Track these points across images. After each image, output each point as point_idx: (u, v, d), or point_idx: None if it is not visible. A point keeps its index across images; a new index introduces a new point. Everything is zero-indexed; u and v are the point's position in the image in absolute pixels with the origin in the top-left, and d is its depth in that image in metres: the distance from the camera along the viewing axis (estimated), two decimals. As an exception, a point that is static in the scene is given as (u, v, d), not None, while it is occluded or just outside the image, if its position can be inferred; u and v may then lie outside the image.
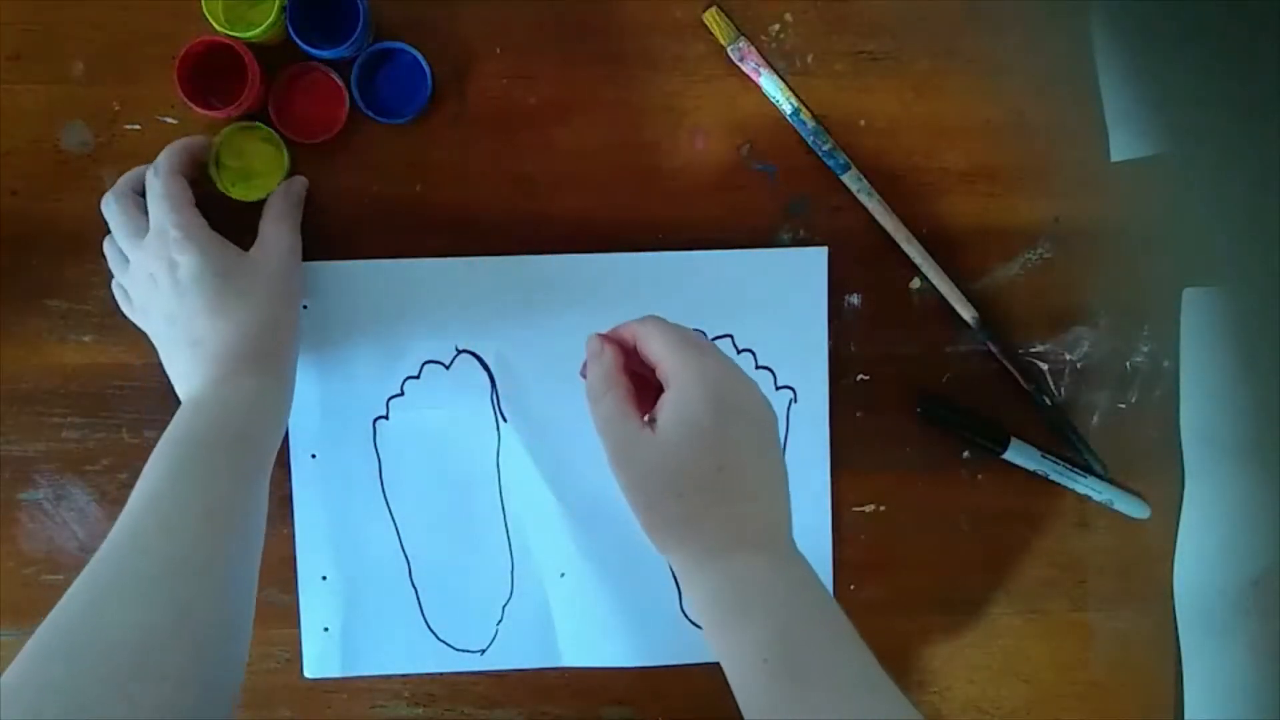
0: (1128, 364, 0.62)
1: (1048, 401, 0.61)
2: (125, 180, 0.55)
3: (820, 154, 0.59)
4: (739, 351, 0.60)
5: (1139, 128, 0.60)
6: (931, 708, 0.64)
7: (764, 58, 0.59)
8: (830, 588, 0.62)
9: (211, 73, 0.55)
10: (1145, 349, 0.62)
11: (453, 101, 0.59)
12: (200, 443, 0.48)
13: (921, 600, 0.63)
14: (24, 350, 0.59)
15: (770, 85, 0.59)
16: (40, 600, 0.60)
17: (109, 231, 0.55)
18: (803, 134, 0.59)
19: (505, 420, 0.60)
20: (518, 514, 0.61)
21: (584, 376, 0.47)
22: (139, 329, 0.56)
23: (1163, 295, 0.62)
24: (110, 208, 0.54)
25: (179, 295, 0.51)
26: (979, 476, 0.62)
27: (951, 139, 0.60)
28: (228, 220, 0.55)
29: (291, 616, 0.60)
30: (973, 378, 0.62)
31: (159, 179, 0.52)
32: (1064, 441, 0.62)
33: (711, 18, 0.58)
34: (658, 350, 0.45)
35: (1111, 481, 0.62)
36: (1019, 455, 0.61)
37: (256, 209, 0.56)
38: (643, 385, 0.46)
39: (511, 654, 0.61)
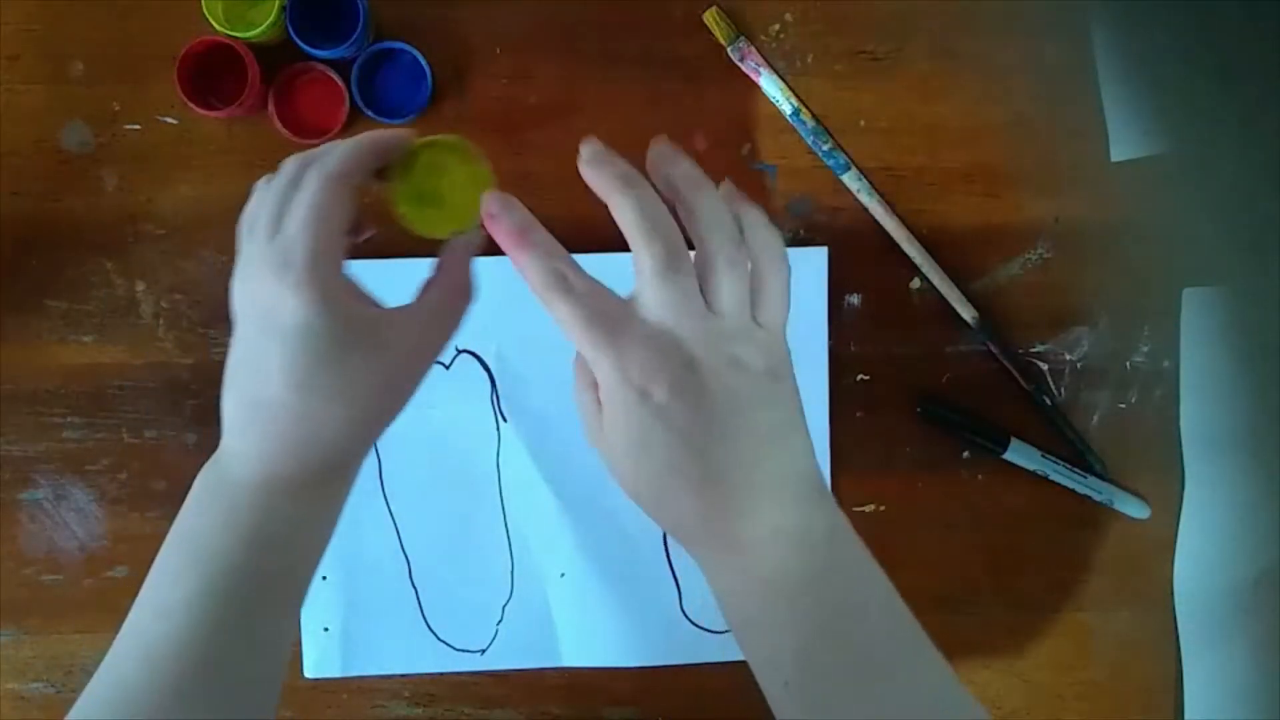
0: (1128, 364, 0.62)
1: (1048, 401, 0.61)
2: (296, 162, 0.41)
3: (820, 154, 0.59)
4: (739, 351, 0.60)
5: (1139, 128, 0.60)
6: (931, 708, 0.64)
7: (764, 58, 0.59)
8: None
9: (212, 73, 0.55)
10: (1145, 349, 0.62)
11: (453, 101, 0.59)
12: (235, 572, 0.38)
13: (921, 600, 0.62)
14: (24, 350, 0.59)
15: (770, 85, 0.59)
16: (40, 600, 0.60)
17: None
18: (803, 134, 0.59)
19: (505, 420, 0.60)
20: (518, 514, 0.61)
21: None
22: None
23: (1163, 295, 0.62)
24: (279, 178, 0.41)
25: (269, 339, 0.38)
26: (979, 476, 0.62)
27: (951, 139, 0.60)
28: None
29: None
30: (973, 378, 0.62)
31: (317, 182, 0.39)
32: (1064, 441, 0.62)
33: (711, 18, 0.58)
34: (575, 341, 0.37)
35: (1111, 481, 0.62)
36: (1019, 455, 0.61)
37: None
38: None
39: (511, 654, 0.61)
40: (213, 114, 0.55)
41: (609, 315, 0.37)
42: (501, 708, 0.62)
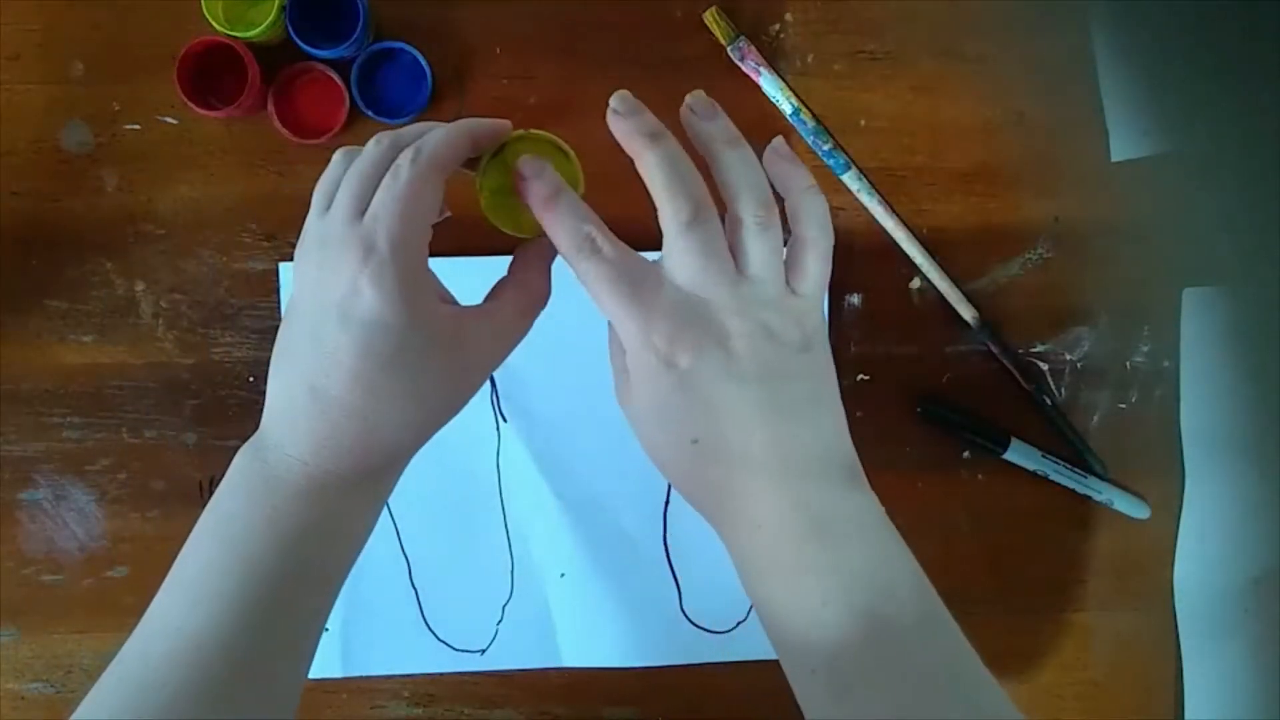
0: (1128, 364, 0.62)
1: (1048, 401, 0.61)
2: (387, 141, 0.39)
3: (820, 154, 0.59)
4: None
5: (1139, 128, 0.60)
6: (931, 708, 0.64)
7: (764, 58, 0.59)
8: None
9: (212, 73, 0.55)
10: (1145, 349, 0.62)
11: (453, 101, 0.59)
12: (273, 570, 0.37)
13: (921, 600, 0.63)
14: (24, 350, 0.59)
15: (770, 85, 0.59)
16: (40, 600, 0.60)
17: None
18: (803, 134, 0.59)
19: (505, 420, 0.60)
20: (518, 514, 0.61)
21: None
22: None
23: (1163, 295, 0.62)
24: (365, 156, 0.39)
25: (340, 325, 0.36)
26: (979, 476, 0.62)
27: (951, 139, 0.60)
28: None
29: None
30: (973, 378, 0.62)
31: (413, 170, 0.37)
32: (1064, 441, 0.62)
33: (711, 18, 0.58)
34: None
35: (1111, 481, 0.62)
36: (1019, 455, 0.61)
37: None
38: None
39: (511, 654, 0.61)
40: (213, 114, 0.55)
41: (635, 279, 0.35)
42: (501, 708, 0.62)
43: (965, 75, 0.60)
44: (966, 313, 0.61)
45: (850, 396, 0.61)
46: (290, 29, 0.54)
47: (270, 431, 0.38)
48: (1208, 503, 0.62)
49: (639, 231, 0.59)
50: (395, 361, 0.36)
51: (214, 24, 0.53)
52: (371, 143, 0.39)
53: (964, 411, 0.61)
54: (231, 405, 0.60)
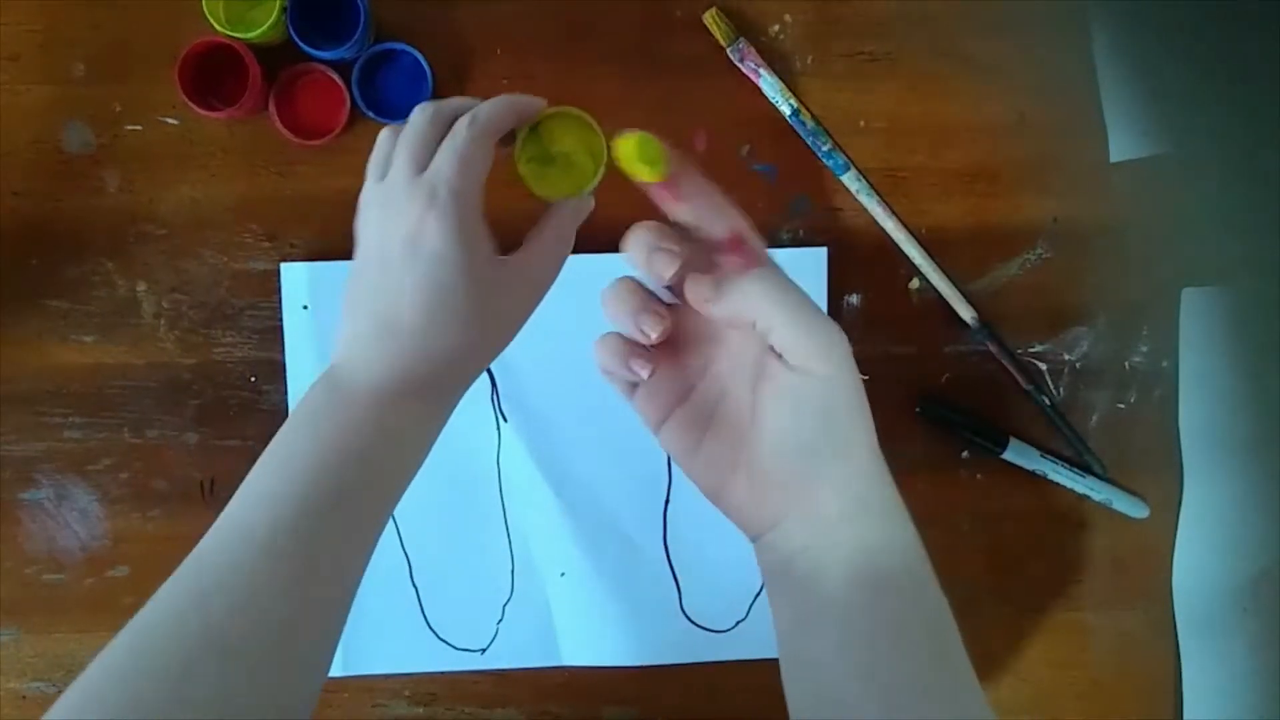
0: (1127, 364, 0.62)
1: (1047, 401, 0.62)
2: (431, 110, 0.44)
3: (820, 154, 0.60)
4: (739, 351, 0.60)
5: (1139, 128, 0.60)
6: (931, 707, 0.64)
7: (764, 58, 0.59)
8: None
9: (212, 73, 0.55)
10: (1144, 349, 0.62)
11: (453, 102, 0.59)
12: (343, 482, 0.41)
13: (921, 600, 0.63)
14: (24, 350, 0.59)
15: (770, 86, 0.59)
16: (41, 600, 0.60)
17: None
18: (802, 134, 0.59)
19: (505, 420, 0.60)
20: (518, 514, 0.61)
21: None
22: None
23: (1162, 295, 0.62)
24: (412, 122, 0.44)
25: (407, 263, 0.41)
26: (978, 476, 0.62)
27: (951, 139, 0.60)
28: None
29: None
30: (972, 378, 0.62)
31: (470, 131, 0.42)
32: (1063, 441, 0.62)
33: (711, 18, 0.58)
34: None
35: (1110, 481, 0.63)
36: (1018, 455, 0.61)
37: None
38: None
39: (511, 653, 0.61)
40: (214, 115, 0.55)
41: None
42: (501, 707, 0.62)
43: (965, 75, 0.60)
44: (966, 313, 0.61)
45: (850, 396, 0.61)
46: (291, 30, 0.54)
47: (341, 364, 0.43)
48: (1206, 502, 0.62)
49: (625, 229, 0.59)
50: (455, 292, 0.41)
51: (215, 25, 0.53)
52: (417, 112, 0.44)
53: (963, 411, 0.61)
54: (233, 405, 0.60)
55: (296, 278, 0.59)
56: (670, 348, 0.42)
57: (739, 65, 0.59)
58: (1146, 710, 0.64)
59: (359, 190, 0.59)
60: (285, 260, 0.59)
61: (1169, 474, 0.63)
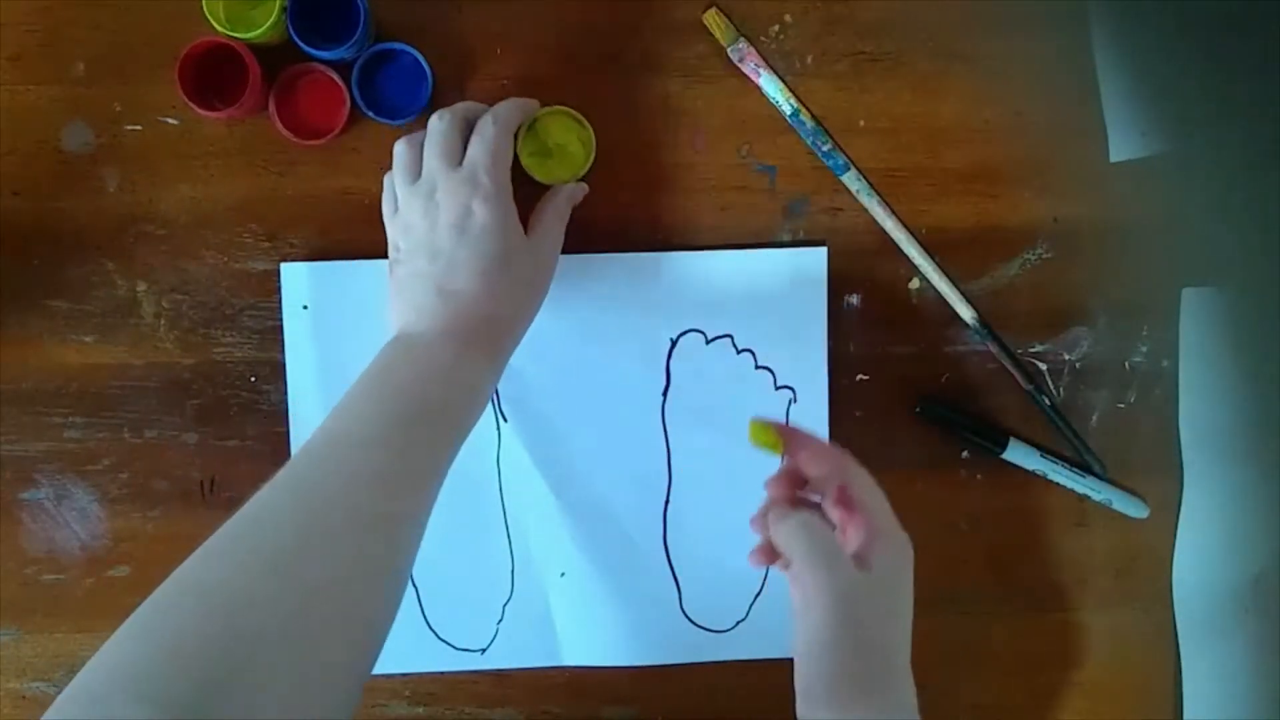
0: (1127, 364, 0.62)
1: (1047, 401, 0.62)
2: (450, 116, 0.52)
3: (820, 154, 0.60)
4: (739, 351, 0.60)
5: (1139, 128, 0.60)
6: (932, 707, 0.64)
7: (764, 58, 0.59)
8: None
9: (212, 73, 0.55)
10: (1144, 349, 0.62)
11: (453, 101, 0.59)
12: (424, 405, 0.48)
13: (921, 600, 0.63)
14: (24, 350, 0.59)
15: (770, 86, 0.59)
16: (41, 600, 0.60)
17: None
18: (802, 134, 0.59)
19: (505, 420, 0.60)
20: (518, 514, 0.61)
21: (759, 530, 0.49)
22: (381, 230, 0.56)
23: (1162, 295, 0.62)
24: (435, 129, 0.52)
25: (458, 240, 0.50)
26: (978, 476, 0.62)
27: (951, 139, 0.60)
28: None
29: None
30: (972, 378, 0.62)
31: (495, 128, 0.51)
32: (1063, 441, 0.62)
33: (711, 18, 0.58)
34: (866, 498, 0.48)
35: (1110, 481, 0.63)
36: (1018, 455, 0.61)
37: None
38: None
39: (511, 654, 0.61)
40: (214, 115, 0.55)
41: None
42: (501, 707, 0.62)
43: (965, 75, 0.60)
44: (965, 313, 0.61)
45: (850, 396, 0.61)
46: (291, 30, 0.54)
47: (407, 328, 0.51)
48: (1207, 502, 0.62)
49: (625, 229, 0.60)
50: (502, 260, 0.50)
51: (215, 25, 0.53)
52: (435, 119, 0.52)
53: (963, 411, 0.61)
54: (233, 405, 0.60)
55: (296, 278, 0.59)
56: None
57: (739, 65, 0.59)
58: (1146, 710, 0.64)
59: (359, 190, 0.59)
60: (285, 260, 0.59)
61: (1169, 474, 0.63)
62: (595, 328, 0.60)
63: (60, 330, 0.59)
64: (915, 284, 0.61)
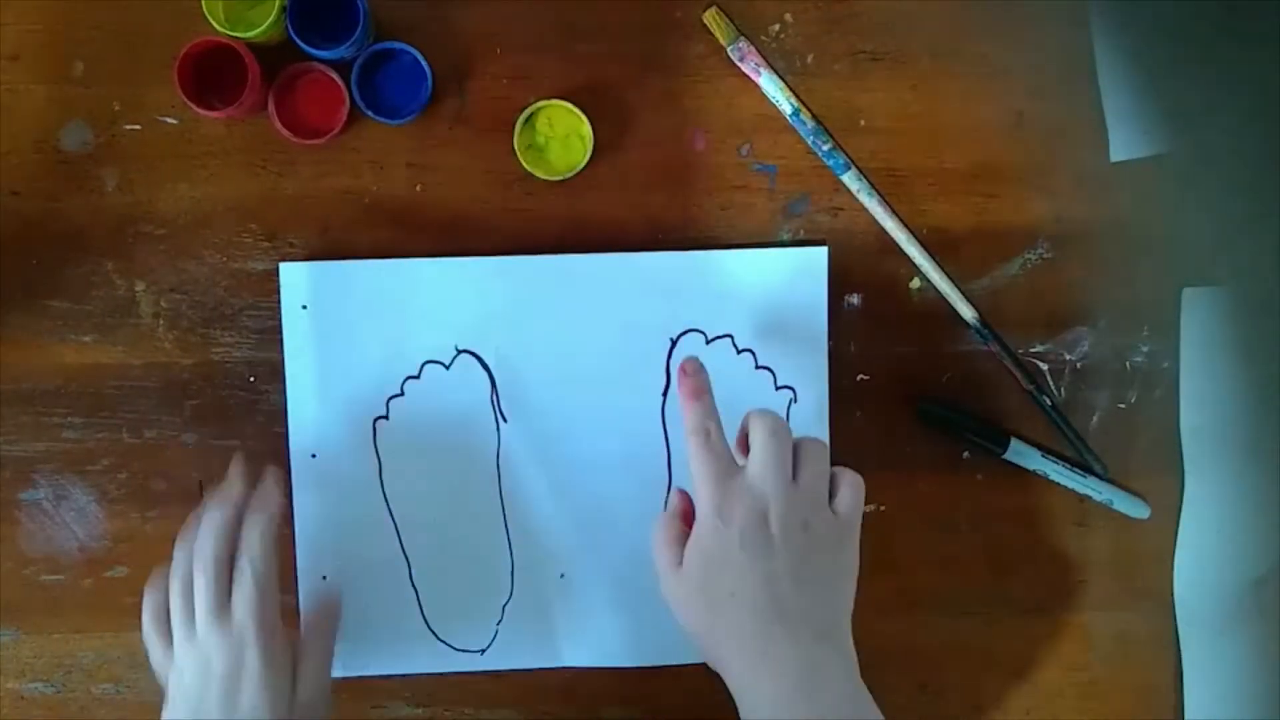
0: (1127, 364, 0.62)
1: (1047, 401, 0.61)
2: (202, 544, 0.50)
3: (820, 154, 0.59)
4: (739, 352, 0.60)
5: (1139, 128, 0.60)
6: (932, 707, 0.64)
7: (764, 58, 0.59)
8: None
9: (212, 73, 0.55)
10: (1145, 349, 0.62)
11: (453, 101, 0.59)
12: None
13: (921, 600, 0.63)
14: (24, 350, 0.59)
15: (770, 85, 0.59)
16: (40, 600, 0.60)
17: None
18: (803, 134, 0.59)
19: (505, 420, 0.60)
20: (518, 514, 0.61)
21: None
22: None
23: (1162, 295, 0.62)
24: (176, 572, 0.51)
25: (226, 698, 0.49)
26: (979, 476, 0.62)
27: (951, 139, 0.60)
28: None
29: (291, 617, 0.60)
30: (973, 378, 0.62)
31: (255, 568, 0.50)
32: (1064, 441, 0.62)
33: (711, 18, 0.58)
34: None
35: (1111, 481, 0.63)
36: (1019, 455, 0.61)
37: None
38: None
39: (511, 654, 0.61)
40: (213, 114, 0.55)
41: (725, 468, 0.49)
42: (501, 708, 0.62)
43: (965, 75, 0.60)
44: (966, 312, 0.61)
45: (850, 396, 0.61)
46: (290, 29, 0.54)
47: None
48: (1207, 502, 0.62)
49: (624, 229, 0.60)
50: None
51: (214, 24, 0.53)
52: (197, 562, 0.50)
53: (964, 411, 0.61)
54: (232, 405, 0.60)
55: (296, 278, 0.59)
56: None
57: (739, 65, 0.59)
58: (1146, 711, 0.64)
59: (359, 190, 0.59)
60: (284, 260, 0.59)
61: (1170, 474, 0.63)
62: (595, 328, 0.60)
63: (59, 330, 0.59)
64: (916, 284, 0.61)
